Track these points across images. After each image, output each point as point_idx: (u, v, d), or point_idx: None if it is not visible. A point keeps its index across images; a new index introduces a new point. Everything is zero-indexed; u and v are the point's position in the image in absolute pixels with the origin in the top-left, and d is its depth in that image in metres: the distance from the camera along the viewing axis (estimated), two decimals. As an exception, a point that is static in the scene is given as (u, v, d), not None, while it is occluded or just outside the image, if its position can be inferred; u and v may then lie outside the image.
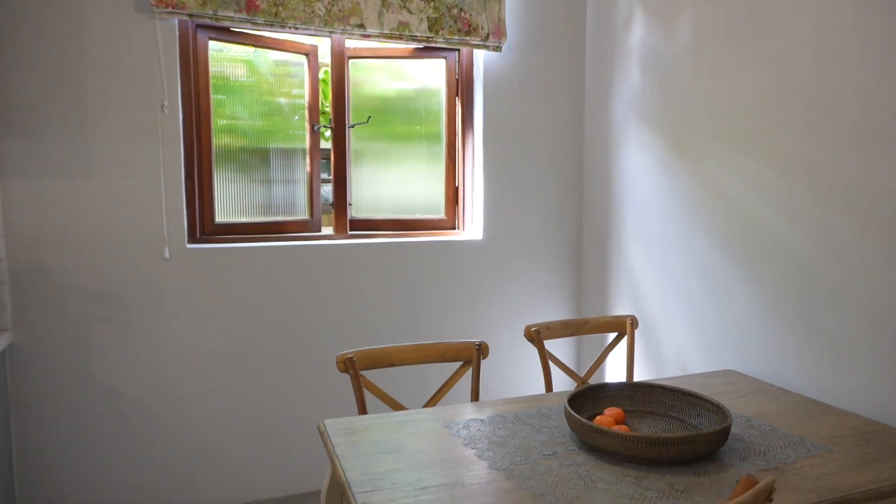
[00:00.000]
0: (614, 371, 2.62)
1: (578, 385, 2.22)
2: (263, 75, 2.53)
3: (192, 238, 2.30)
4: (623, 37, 2.55)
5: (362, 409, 1.81)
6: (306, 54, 2.56)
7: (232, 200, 2.48)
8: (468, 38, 2.49)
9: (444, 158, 2.75)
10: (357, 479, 1.29)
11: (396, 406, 1.85)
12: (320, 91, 2.62)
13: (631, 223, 2.55)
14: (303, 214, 2.64)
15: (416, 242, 2.59)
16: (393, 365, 1.89)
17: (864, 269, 1.68)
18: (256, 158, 2.53)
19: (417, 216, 2.75)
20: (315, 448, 2.49)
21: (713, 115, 2.13)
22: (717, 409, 1.49)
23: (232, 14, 2.15)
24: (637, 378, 2.42)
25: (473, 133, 2.71)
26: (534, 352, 2.77)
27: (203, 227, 2.35)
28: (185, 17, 2.13)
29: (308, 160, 2.61)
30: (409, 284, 2.57)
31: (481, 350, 1.95)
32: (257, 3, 2.18)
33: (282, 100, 2.57)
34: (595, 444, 1.39)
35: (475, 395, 1.94)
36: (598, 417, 1.51)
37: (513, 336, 2.74)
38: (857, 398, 1.70)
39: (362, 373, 1.83)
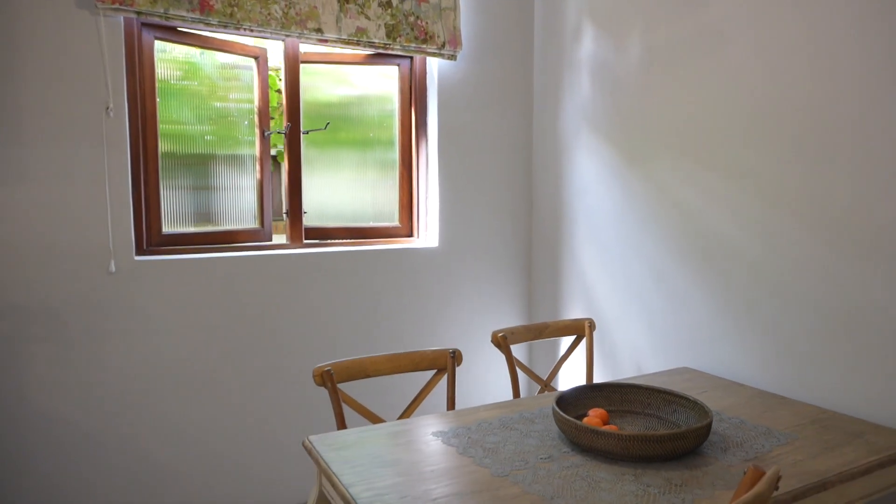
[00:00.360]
0: (571, 373, 2.69)
1: (542, 388, 2.27)
2: (210, 78, 2.42)
3: (139, 250, 2.16)
4: (572, 48, 2.64)
5: (341, 424, 1.76)
6: (255, 57, 2.47)
7: (177, 209, 2.34)
8: (425, 45, 2.50)
9: (398, 166, 2.74)
10: (363, 495, 1.25)
11: (374, 418, 1.82)
12: (269, 96, 2.54)
13: (583, 228, 2.64)
14: (252, 223, 2.54)
15: (374, 251, 2.56)
16: (368, 376, 1.86)
17: (808, 269, 1.82)
18: (203, 165, 2.41)
19: (371, 224, 2.72)
20: (277, 467, 2.39)
21: (663, 125, 2.25)
22: (695, 406, 1.57)
23: (184, 13, 2.05)
24: (596, 379, 2.51)
25: (427, 140, 2.71)
26: (493, 357, 2.81)
27: (149, 237, 2.21)
28: (132, 15, 2.00)
29: (258, 167, 2.52)
30: (368, 293, 2.53)
31: (455, 357, 1.95)
32: (211, 2, 2.08)
33: (230, 104, 2.47)
34: (590, 445, 1.43)
35: (451, 404, 1.93)
36: (585, 419, 1.55)
37: (470, 342, 2.76)
38: (807, 389, 1.84)
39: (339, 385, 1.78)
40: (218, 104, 2.44)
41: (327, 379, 1.75)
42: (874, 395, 1.68)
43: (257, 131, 2.49)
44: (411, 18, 2.45)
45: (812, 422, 1.65)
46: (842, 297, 1.75)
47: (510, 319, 2.88)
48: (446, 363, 1.94)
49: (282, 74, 2.52)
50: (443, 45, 2.53)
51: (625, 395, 1.72)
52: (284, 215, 2.49)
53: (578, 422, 1.44)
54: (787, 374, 1.90)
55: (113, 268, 2.05)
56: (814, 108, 1.79)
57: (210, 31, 2.21)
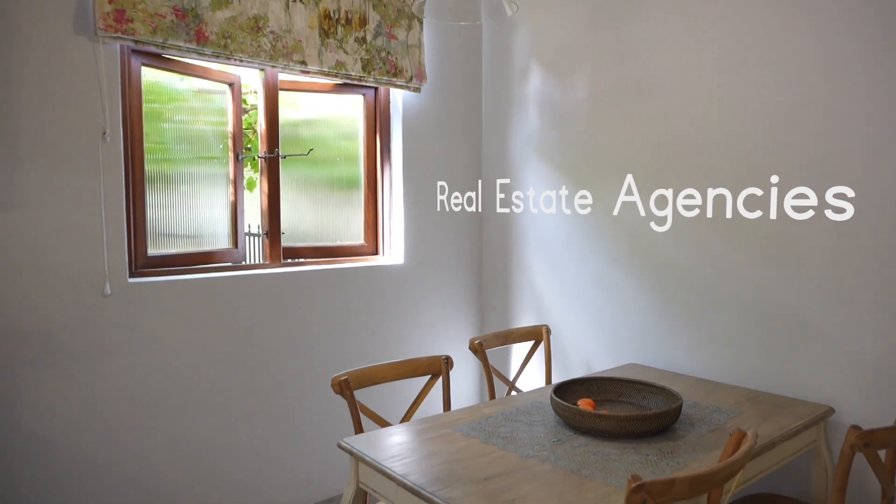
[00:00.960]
0: (529, 374, 2.99)
1: (509, 389, 2.55)
2: (187, 102, 2.48)
3: (131, 272, 2.19)
4: (521, 85, 2.97)
5: (359, 427, 1.93)
6: (230, 84, 2.57)
7: (157, 231, 2.38)
8: (395, 79, 2.72)
9: (364, 187, 2.92)
10: (422, 480, 1.46)
11: (381, 422, 2.00)
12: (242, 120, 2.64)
13: (532, 245, 2.96)
14: (225, 244, 2.61)
15: (347, 269, 2.72)
16: (375, 383, 2.04)
17: (733, 276, 2.26)
18: (180, 187, 2.46)
19: (339, 243, 2.88)
20: (273, 473, 2.48)
21: (606, 154, 2.63)
22: (662, 391, 1.92)
23: (181, 44, 2.13)
24: (554, 379, 2.82)
25: (392, 164, 2.92)
26: (459, 364, 3.04)
27: (136, 259, 2.24)
28: (129, 43, 2.06)
29: (232, 189, 2.60)
30: (342, 308, 2.69)
31: (448, 363, 2.18)
32: (206, 34, 2.18)
33: (206, 128, 2.54)
34: (591, 427, 1.72)
35: (447, 405, 2.16)
36: (581, 407, 1.85)
37: (432, 351, 2.99)
38: (735, 374, 2.27)
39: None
40: (194, 128, 2.50)
41: (345, 387, 1.92)
42: (785, 375, 2.13)
43: (231, 154, 2.58)
44: (383, 54, 2.67)
45: (746, 399, 2.05)
46: (757, 296, 2.19)
47: (465, 328, 3.14)
48: (440, 368, 2.17)
49: (250, 98, 2.63)
50: (410, 79, 2.76)
51: (601, 386, 2.03)
52: (264, 236, 2.59)
53: (582, 409, 1.74)
54: (718, 363, 2.32)
55: (108, 290, 2.07)
56: (724, 144, 2.23)
57: (201, 59, 2.29)
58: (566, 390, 1.98)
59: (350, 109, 2.90)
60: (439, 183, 3.01)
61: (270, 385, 2.48)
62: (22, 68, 1.90)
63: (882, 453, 1.58)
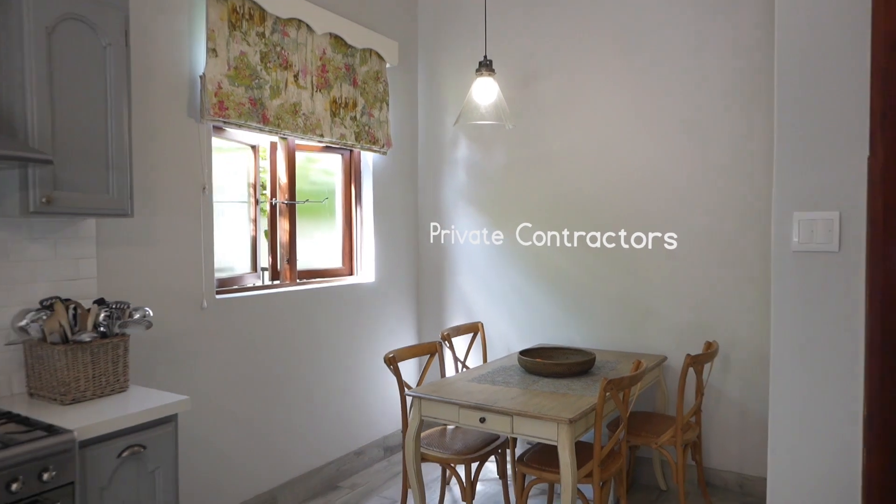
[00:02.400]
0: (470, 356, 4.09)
1: (463, 364, 3.66)
2: (226, 159, 3.23)
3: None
4: (451, 151, 4.13)
5: (401, 388, 2.90)
6: (252, 147, 3.37)
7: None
8: (373, 146, 3.72)
9: (341, 222, 3.85)
10: (476, 399, 2.52)
11: (407, 386, 2.99)
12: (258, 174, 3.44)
13: (463, 265, 4.12)
14: (247, 269, 3.38)
15: (338, 286, 3.63)
16: (403, 360, 3.02)
17: (604, 281, 3.63)
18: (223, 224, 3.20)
19: (324, 266, 3.76)
20: (317, 435, 3.27)
21: (518, 203, 3.89)
22: (578, 352, 3.18)
23: (253, 123, 2.95)
24: (489, 358, 3.97)
25: (362, 206, 3.89)
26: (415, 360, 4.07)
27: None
28: (220, 123, 2.84)
29: (253, 227, 3.38)
30: (338, 313, 3.59)
31: (440, 346, 3.24)
32: (268, 117, 3.01)
33: (236, 179, 3.30)
34: (552, 372, 2.91)
35: (443, 373, 3.21)
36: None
37: (400, 344, 3.98)
38: (609, 342, 3.64)
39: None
40: (231, 179, 3.25)
41: (392, 362, 2.89)
42: (638, 340, 3.54)
43: (252, 200, 3.37)
44: (366, 128, 3.65)
45: (619, 355, 3.41)
46: (619, 293, 3.59)
47: (411, 331, 4.18)
48: (437, 349, 3.22)
49: (267, 155, 3.43)
50: (382, 146, 3.78)
51: (540, 353, 3.24)
52: (286, 262, 3.41)
53: (546, 361, 2.93)
54: (597, 337, 3.67)
55: (205, 304, 2.80)
56: (595, 200, 3.62)
57: (259, 131, 3.09)
58: (524, 355, 3.15)
59: (334, 165, 3.81)
60: (400, 219, 4.04)
61: (322, 362, 3.32)
62: (156, 142, 2.60)
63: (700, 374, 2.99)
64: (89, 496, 1.82)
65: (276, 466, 3.19)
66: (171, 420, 2.08)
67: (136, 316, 2.20)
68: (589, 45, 3.64)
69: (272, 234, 3.44)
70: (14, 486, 1.60)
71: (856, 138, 1.93)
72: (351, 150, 3.83)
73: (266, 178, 3.41)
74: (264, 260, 3.43)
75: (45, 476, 1.67)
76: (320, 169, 3.79)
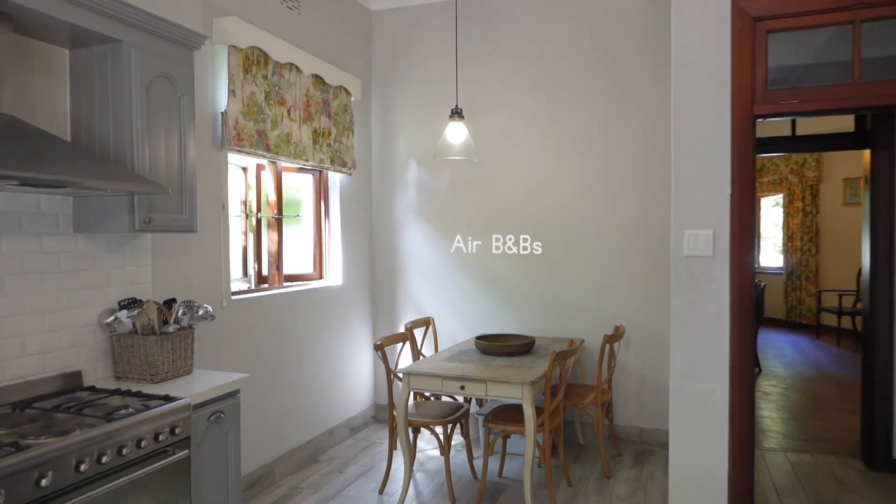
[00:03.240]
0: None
1: (416, 355, 4.37)
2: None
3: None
4: (402, 172, 4.85)
5: (388, 368, 3.57)
6: (243, 168, 3.90)
7: (213, 266, 3.59)
8: (343, 168, 4.35)
9: (313, 234, 4.43)
10: (455, 371, 3.27)
11: (389, 367, 3.66)
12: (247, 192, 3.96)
13: (412, 269, 4.84)
14: (240, 274, 3.89)
15: (314, 288, 4.22)
16: (386, 346, 3.69)
17: (533, 279, 4.52)
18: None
19: (298, 271, 4.33)
20: (309, 408, 3.81)
21: (462, 217, 4.69)
22: (518, 336, 4.01)
23: (260, 151, 3.50)
24: (441, 347, 4.70)
25: (330, 218, 4.50)
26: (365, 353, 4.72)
27: (220, 285, 3.47)
28: (235, 152, 3.38)
29: (243, 238, 3.91)
30: (314, 310, 4.17)
31: (411, 333, 3.94)
32: (270, 146, 3.58)
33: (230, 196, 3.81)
34: (503, 353, 3.71)
35: (417, 355, 3.91)
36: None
37: (365, 335, 4.61)
38: (539, 331, 4.51)
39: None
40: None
41: (379, 348, 3.55)
42: (563, 327, 4.45)
43: (243, 215, 3.89)
44: (338, 153, 4.28)
45: (550, 340, 4.29)
46: (544, 288, 4.48)
47: (365, 323, 4.83)
48: (408, 336, 3.92)
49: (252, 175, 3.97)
50: (349, 168, 4.42)
51: (489, 339, 4.03)
52: (275, 269, 3.95)
53: (499, 343, 3.73)
54: (531, 327, 4.54)
55: (225, 304, 3.32)
56: (521, 215, 4.50)
57: (262, 158, 3.63)
58: (474, 341, 3.94)
59: (300, 183, 4.39)
60: (361, 230, 4.68)
61: (302, 353, 3.87)
62: (197, 170, 3.11)
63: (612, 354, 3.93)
64: (193, 449, 2.36)
65: (272, 442, 3.73)
66: (236, 393, 2.64)
67: (201, 312, 2.73)
68: (520, 91, 4.51)
69: (257, 244, 3.97)
70: (160, 437, 2.14)
71: (722, 180, 2.90)
72: (321, 171, 4.43)
73: (251, 194, 3.94)
74: (250, 267, 3.95)
75: (177, 430, 2.21)
76: (288, 186, 4.35)
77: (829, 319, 8.76)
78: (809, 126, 4.72)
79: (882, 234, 3.82)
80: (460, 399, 4.12)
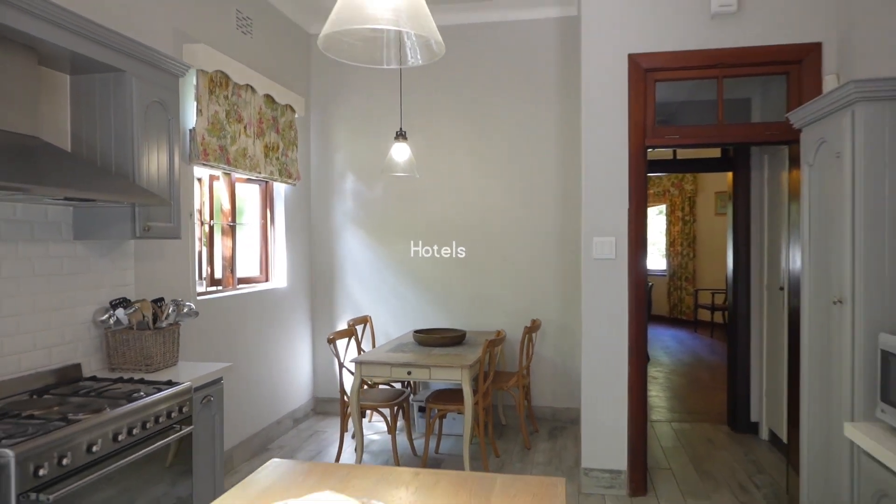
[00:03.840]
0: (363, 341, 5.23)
1: (359, 349, 4.82)
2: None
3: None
4: (340, 183, 5.28)
5: (339, 360, 4.00)
6: (199, 179, 4.20)
7: (175, 270, 3.89)
8: (290, 179, 4.73)
9: (259, 238, 4.77)
10: (399, 362, 3.78)
11: (339, 359, 4.11)
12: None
13: (350, 272, 5.28)
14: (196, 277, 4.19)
15: (263, 289, 4.57)
16: (340, 339, 4.11)
17: (459, 280, 5.10)
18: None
19: (246, 274, 4.65)
20: (262, 398, 4.13)
21: (395, 225, 5.19)
22: (450, 330, 4.58)
23: (222, 165, 3.84)
24: (377, 342, 5.15)
25: (275, 226, 4.85)
26: (305, 348, 5.09)
27: (184, 287, 3.77)
28: (201, 165, 3.70)
29: (199, 243, 4.21)
30: (262, 309, 4.53)
31: (355, 330, 4.39)
32: (230, 160, 3.92)
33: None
34: (438, 343, 4.26)
35: (360, 350, 4.37)
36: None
37: (310, 330, 4.99)
38: (466, 324, 5.10)
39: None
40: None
41: (332, 341, 3.98)
42: (485, 320, 5.06)
43: (198, 222, 4.19)
44: (285, 166, 4.66)
45: (476, 332, 4.88)
46: (469, 288, 5.08)
47: (306, 324, 5.21)
48: (354, 332, 4.37)
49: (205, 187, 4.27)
50: (294, 179, 4.80)
51: (425, 332, 4.57)
52: (230, 272, 4.27)
53: (435, 335, 4.27)
54: (457, 321, 5.12)
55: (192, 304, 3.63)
56: (452, 222, 5.09)
57: (223, 171, 3.96)
58: (417, 333, 4.46)
59: (252, 194, 4.72)
60: (302, 236, 5.07)
61: (252, 349, 4.21)
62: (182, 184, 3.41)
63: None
64: (194, 425, 2.71)
65: (230, 431, 4.06)
66: (220, 380, 3.01)
67: (185, 310, 3.07)
68: (448, 114, 5.09)
69: (210, 248, 4.28)
70: (172, 414, 2.50)
71: (622, 197, 3.61)
72: (267, 182, 4.78)
73: (204, 202, 4.25)
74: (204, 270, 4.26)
75: (184, 409, 2.57)
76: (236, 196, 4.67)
77: (705, 315, 10.04)
78: (687, 152, 5.64)
79: (740, 240, 4.73)
80: (398, 386, 4.62)
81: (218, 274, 4.28)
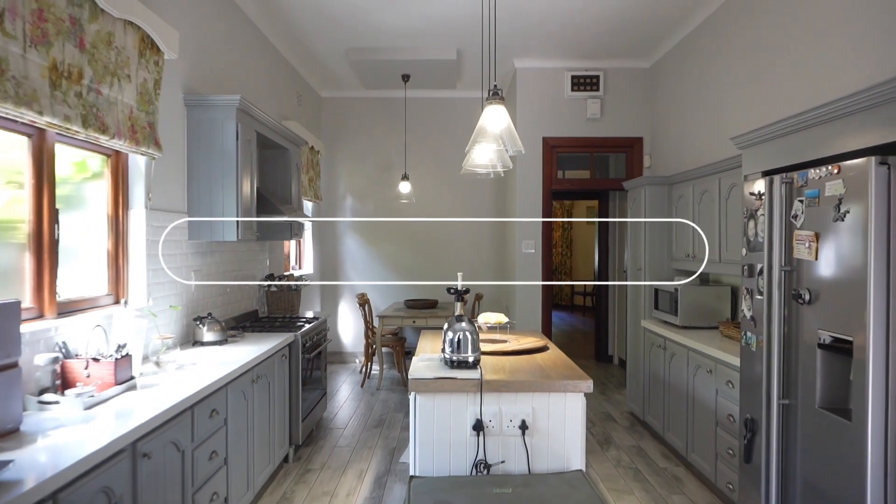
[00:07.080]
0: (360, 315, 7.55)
1: (365, 313, 7.17)
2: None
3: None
4: (342, 201, 7.59)
5: (366, 316, 6.36)
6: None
7: (262, 259, 6.09)
8: (317, 199, 7.00)
9: (303, 242, 7.00)
10: (409, 315, 6.23)
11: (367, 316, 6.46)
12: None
13: (349, 264, 7.61)
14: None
15: (304, 273, 6.82)
16: (365, 303, 6.45)
17: (426, 271, 7.61)
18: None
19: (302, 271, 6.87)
20: (294, 355, 6.37)
21: (383, 231, 7.60)
22: (425, 300, 7.06)
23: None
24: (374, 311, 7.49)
25: (304, 240, 7.12)
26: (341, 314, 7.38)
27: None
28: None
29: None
30: (307, 289, 6.78)
31: (365, 300, 6.76)
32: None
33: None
34: (420, 307, 6.73)
35: (371, 311, 6.76)
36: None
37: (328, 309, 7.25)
38: (432, 297, 7.62)
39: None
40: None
41: (362, 301, 6.33)
42: (443, 297, 7.61)
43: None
44: (317, 190, 6.93)
45: (442, 302, 7.41)
46: (438, 275, 7.61)
47: (316, 299, 7.47)
48: (367, 300, 6.74)
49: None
50: (320, 200, 7.09)
51: (414, 301, 7.02)
52: (299, 264, 6.49)
53: (419, 302, 6.76)
54: (423, 295, 7.61)
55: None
56: (429, 232, 7.59)
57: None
58: (408, 301, 6.90)
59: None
60: (318, 239, 7.35)
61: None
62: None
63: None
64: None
65: (294, 364, 6.29)
66: (327, 319, 5.33)
67: (306, 280, 5.35)
68: (420, 147, 7.58)
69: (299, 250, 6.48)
70: (316, 337, 4.83)
71: (539, 215, 6.31)
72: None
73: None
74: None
75: (319, 336, 4.90)
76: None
77: (579, 300, 13.21)
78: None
79: (602, 244, 7.64)
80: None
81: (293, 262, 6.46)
